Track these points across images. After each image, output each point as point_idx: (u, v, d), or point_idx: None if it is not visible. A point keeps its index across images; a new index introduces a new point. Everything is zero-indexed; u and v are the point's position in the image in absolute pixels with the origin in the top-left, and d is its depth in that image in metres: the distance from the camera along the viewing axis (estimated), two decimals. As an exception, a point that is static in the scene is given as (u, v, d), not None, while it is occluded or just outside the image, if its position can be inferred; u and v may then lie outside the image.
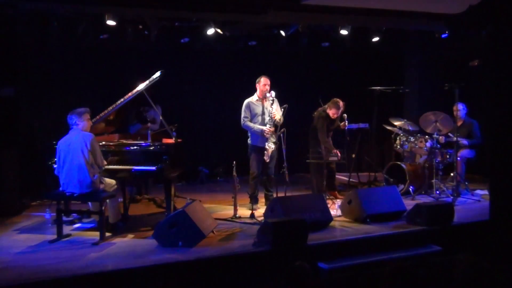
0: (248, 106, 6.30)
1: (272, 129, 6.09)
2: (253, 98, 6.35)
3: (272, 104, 6.10)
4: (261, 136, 6.16)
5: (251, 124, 6.24)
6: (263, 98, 6.28)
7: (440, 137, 6.98)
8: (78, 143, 4.91)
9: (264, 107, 6.27)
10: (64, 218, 5.28)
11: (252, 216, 5.77)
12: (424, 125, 7.10)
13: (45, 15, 6.73)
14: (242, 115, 6.30)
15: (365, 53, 8.91)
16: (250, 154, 6.38)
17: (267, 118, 6.17)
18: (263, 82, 6.27)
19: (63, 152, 4.97)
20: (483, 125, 7.27)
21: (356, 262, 4.66)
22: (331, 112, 6.72)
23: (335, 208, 6.05)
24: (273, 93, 6.14)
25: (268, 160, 6.14)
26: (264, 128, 6.12)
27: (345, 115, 6.76)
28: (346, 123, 6.77)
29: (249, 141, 6.38)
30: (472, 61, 8.01)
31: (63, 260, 4.33)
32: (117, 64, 7.86)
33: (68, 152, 4.93)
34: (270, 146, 6.09)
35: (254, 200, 6.24)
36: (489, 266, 3.02)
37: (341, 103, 6.73)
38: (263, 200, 6.54)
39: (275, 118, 6.08)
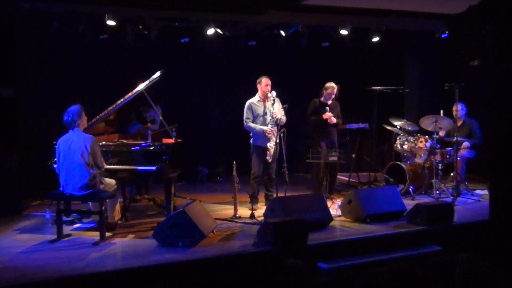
0: (250, 107, 6.32)
1: (274, 129, 6.09)
2: (255, 99, 6.36)
3: (273, 104, 6.12)
4: (263, 136, 6.18)
5: (253, 125, 6.25)
6: (264, 98, 6.29)
7: (440, 132, 6.98)
8: (79, 145, 4.90)
9: (265, 107, 6.28)
10: (64, 218, 5.28)
11: (252, 216, 5.77)
12: (424, 125, 7.10)
13: (45, 15, 6.73)
14: (244, 116, 6.32)
15: (365, 53, 8.91)
16: (252, 154, 6.40)
17: (268, 118, 6.18)
18: (264, 83, 6.28)
19: (62, 152, 4.96)
20: (483, 125, 7.28)
21: (356, 262, 4.66)
22: (325, 94, 6.79)
23: (335, 208, 6.05)
24: (274, 93, 6.15)
25: (270, 160, 6.15)
26: (265, 128, 6.13)
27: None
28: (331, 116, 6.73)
29: (251, 141, 6.40)
30: (472, 61, 8.02)
31: (63, 260, 4.33)
32: (117, 64, 7.85)
33: (68, 153, 4.92)
34: (272, 146, 6.10)
35: (254, 200, 6.24)
36: (489, 266, 3.02)
37: (331, 84, 6.77)
38: (263, 200, 6.54)
39: (277, 117, 6.08)
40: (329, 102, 6.87)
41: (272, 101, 6.11)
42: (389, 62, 9.13)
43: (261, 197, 6.53)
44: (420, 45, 8.74)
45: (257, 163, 6.32)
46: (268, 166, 6.28)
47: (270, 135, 6.11)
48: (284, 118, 6.20)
